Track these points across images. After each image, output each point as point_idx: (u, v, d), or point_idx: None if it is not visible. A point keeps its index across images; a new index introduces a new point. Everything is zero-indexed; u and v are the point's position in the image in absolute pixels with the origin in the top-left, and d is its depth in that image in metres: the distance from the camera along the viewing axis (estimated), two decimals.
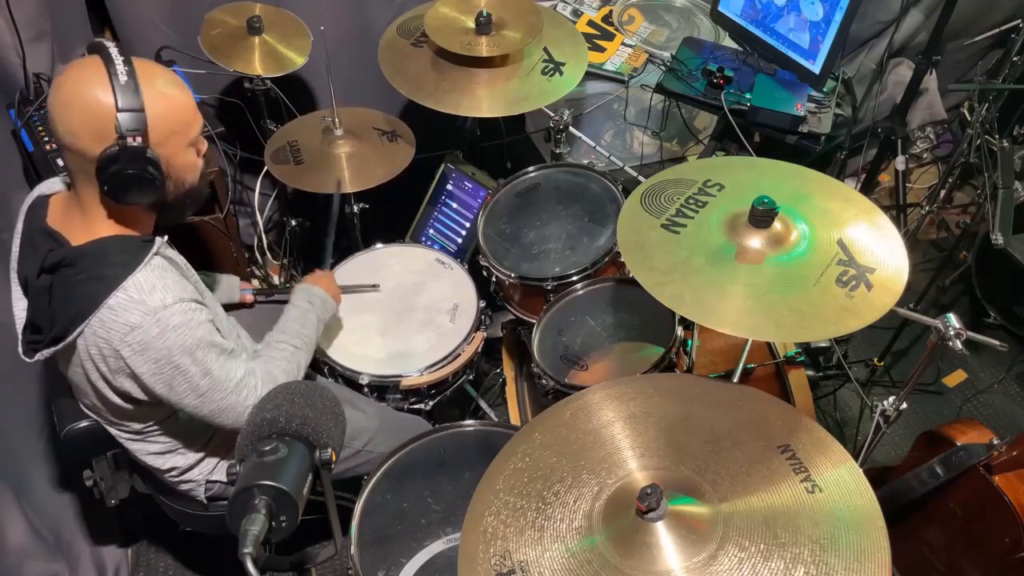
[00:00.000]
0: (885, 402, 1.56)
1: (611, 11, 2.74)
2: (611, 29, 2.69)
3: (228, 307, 1.96)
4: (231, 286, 1.99)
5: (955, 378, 2.71)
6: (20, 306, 1.41)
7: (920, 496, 1.72)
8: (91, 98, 1.23)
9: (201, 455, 1.64)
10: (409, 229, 2.60)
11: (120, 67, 1.23)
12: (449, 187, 2.52)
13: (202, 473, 1.66)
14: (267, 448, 1.05)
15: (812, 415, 2.11)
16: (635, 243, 1.46)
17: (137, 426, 1.52)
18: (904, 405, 1.54)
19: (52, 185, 1.47)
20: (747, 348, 1.91)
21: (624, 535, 1.15)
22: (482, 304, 2.04)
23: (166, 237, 1.41)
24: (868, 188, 2.77)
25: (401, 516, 1.71)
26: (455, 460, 1.73)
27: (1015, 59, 2.52)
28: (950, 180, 2.69)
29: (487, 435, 1.72)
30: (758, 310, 1.32)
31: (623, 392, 1.39)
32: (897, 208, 2.70)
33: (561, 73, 2.12)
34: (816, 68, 2.10)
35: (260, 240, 2.78)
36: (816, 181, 1.55)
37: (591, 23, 2.70)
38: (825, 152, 2.56)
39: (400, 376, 1.90)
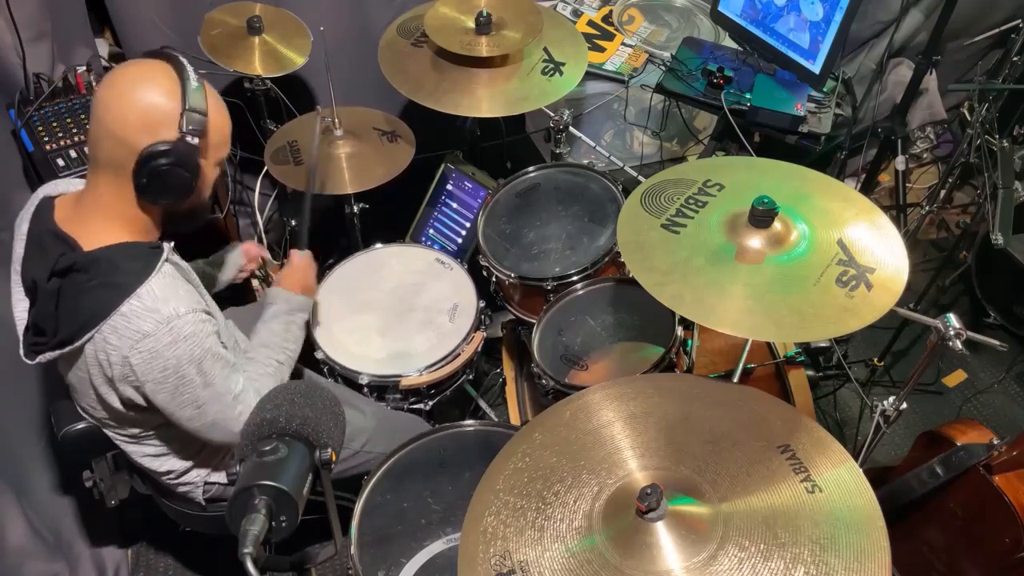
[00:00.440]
0: (885, 402, 1.56)
1: (611, 11, 2.74)
2: (611, 29, 2.69)
3: (229, 299, 1.94)
4: (235, 263, 1.94)
5: (955, 378, 2.71)
6: (21, 307, 1.41)
7: (920, 496, 1.72)
8: (157, 92, 1.28)
9: (198, 458, 1.64)
10: (409, 229, 2.60)
11: (191, 74, 1.31)
12: (449, 187, 2.52)
13: (199, 475, 1.66)
14: (267, 448, 1.05)
15: (812, 415, 2.11)
16: (635, 243, 1.46)
17: (135, 430, 1.52)
18: (904, 405, 1.54)
19: (56, 186, 1.47)
20: (747, 348, 1.90)
21: (624, 535, 1.15)
22: (482, 304, 2.04)
23: (172, 243, 1.41)
24: (868, 188, 2.78)
25: (401, 516, 1.71)
26: (455, 460, 1.73)
27: (1015, 59, 2.52)
28: (950, 180, 2.69)
29: (487, 435, 1.72)
30: (758, 310, 1.32)
31: (623, 392, 1.39)
32: (897, 208, 2.70)
33: (561, 73, 2.12)
34: (816, 68, 2.10)
35: (260, 240, 2.78)
36: (816, 181, 1.55)
37: (591, 23, 2.70)
38: (825, 152, 2.56)
39: (400, 376, 1.90)
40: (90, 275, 1.30)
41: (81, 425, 1.55)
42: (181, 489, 1.67)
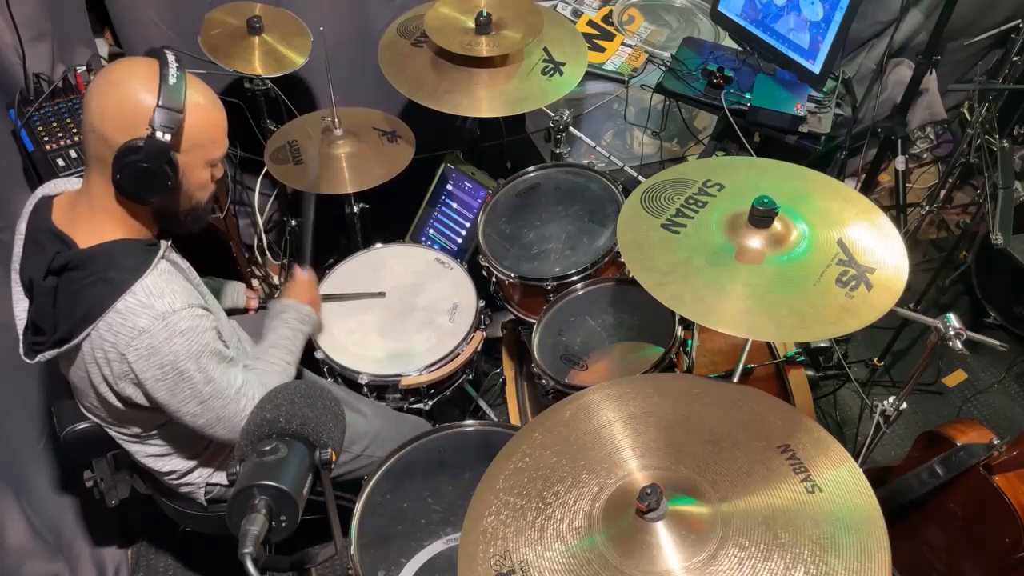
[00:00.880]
0: (885, 402, 1.56)
1: (611, 11, 2.74)
2: (611, 29, 2.69)
3: (231, 312, 1.96)
4: (237, 292, 1.99)
5: (955, 378, 2.71)
6: (21, 307, 1.41)
7: (920, 496, 1.72)
8: (135, 88, 1.27)
9: (201, 459, 1.64)
10: (409, 229, 2.60)
11: (173, 71, 1.28)
12: (449, 187, 2.52)
13: (201, 476, 1.66)
14: (267, 448, 1.05)
15: (812, 415, 2.11)
16: (635, 243, 1.46)
17: (137, 429, 1.52)
18: (904, 405, 1.54)
19: (56, 186, 1.47)
20: (747, 348, 1.90)
21: (624, 535, 1.15)
22: (481, 304, 2.04)
23: (170, 241, 1.41)
24: (868, 188, 2.78)
25: (401, 516, 1.71)
26: (455, 460, 1.73)
27: (1015, 59, 2.52)
28: (950, 180, 2.69)
29: (487, 435, 1.72)
30: (758, 310, 1.32)
31: (623, 392, 1.39)
32: (897, 208, 2.70)
33: (561, 73, 2.12)
34: (816, 68, 2.10)
35: (260, 240, 2.78)
36: (816, 181, 1.55)
37: (591, 23, 2.70)
38: (825, 152, 2.56)
39: (400, 376, 1.90)
40: (86, 272, 1.30)
41: (83, 425, 1.55)
42: (183, 490, 1.67)
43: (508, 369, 2.34)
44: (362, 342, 1.98)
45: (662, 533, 1.13)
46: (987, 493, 1.60)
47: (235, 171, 2.61)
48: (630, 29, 2.71)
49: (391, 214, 2.47)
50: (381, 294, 2.06)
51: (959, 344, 1.35)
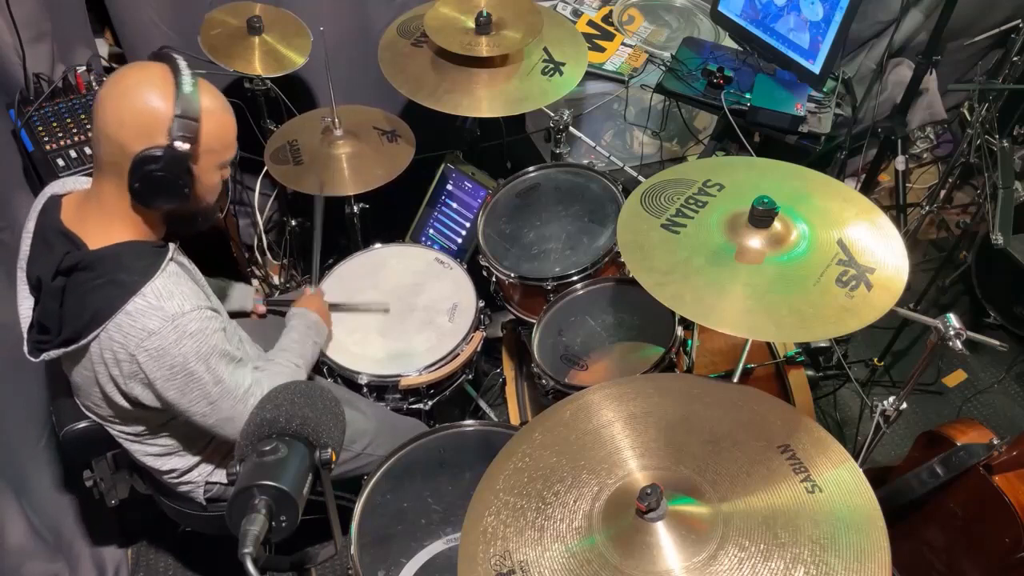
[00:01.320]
0: (885, 402, 1.56)
1: (611, 11, 2.74)
2: (611, 29, 2.69)
3: (236, 316, 1.96)
4: (245, 295, 1.99)
5: (955, 378, 2.71)
6: (27, 305, 1.42)
7: (920, 496, 1.72)
8: (151, 96, 1.27)
9: (200, 457, 1.64)
10: (409, 229, 2.60)
11: (187, 78, 1.29)
12: (449, 187, 2.52)
13: (201, 475, 1.66)
14: (267, 448, 1.05)
15: (812, 415, 2.11)
16: (635, 243, 1.46)
17: (139, 428, 1.53)
18: (904, 405, 1.54)
19: (64, 185, 1.48)
20: (747, 348, 1.90)
21: (624, 535, 1.15)
22: (481, 304, 2.04)
23: (177, 243, 1.42)
24: (868, 188, 2.77)
25: (401, 516, 1.71)
26: (455, 460, 1.73)
27: (1015, 59, 2.52)
28: (950, 180, 2.69)
29: (487, 435, 1.72)
30: (758, 310, 1.32)
31: (623, 392, 1.39)
32: (897, 208, 2.70)
33: (561, 73, 2.12)
34: (816, 68, 2.10)
35: (260, 240, 2.78)
36: (816, 181, 1.55)
37: (591, 23, 2.70)
38: (825, 152, 2.56)
39: (399, 376, 1.90)
40: (95, 273, 1.31)
41: (83, 424, 1.55)
42: (182, 488, 1.68)
43: (508, 369, 2.33)
44: (362, 342, 1.98)
45: (662, 533, 1.13)
46: (987, 493, 1.60)
47: (235, 171, 2.61)
48: (630, 29, 2.71)
49: (391, 214, 2.47)
50: (385, 310, 2.05)
51: (959, 344, 1.36)
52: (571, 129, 2.33)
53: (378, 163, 2.17)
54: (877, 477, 1.89)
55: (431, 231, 2.55)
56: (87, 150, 2.00)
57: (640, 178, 2.48)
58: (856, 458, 1.23)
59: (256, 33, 2.16)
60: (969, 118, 2.54)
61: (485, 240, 2.13)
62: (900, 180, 2.65)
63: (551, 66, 2.13)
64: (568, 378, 1.90)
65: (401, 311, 2.05)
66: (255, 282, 2.76)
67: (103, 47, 2.35)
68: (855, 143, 2.69)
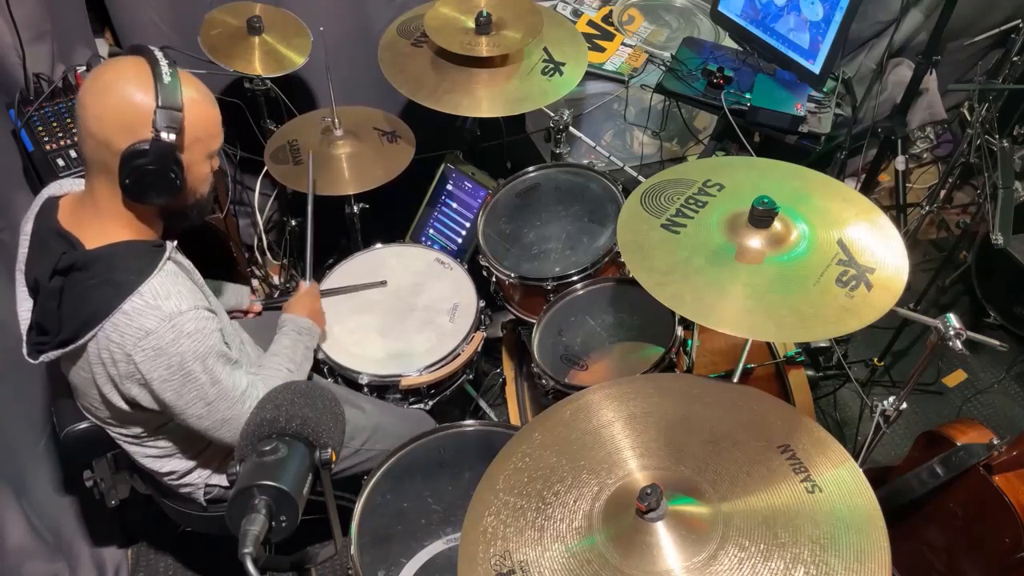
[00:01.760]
0: (885, 402, 1.56)
1: (611, 11, 2.74)
2: (611, 29, 2.69)
3: (233, 315, 1.96)
4: (240, 294, 1.99)
5: (955, 378, 2.71)
6: (25, 307, 1.42)
7: (920, 496, 1.72)
8: (130, 90, 1.26)
9: (200, 459, 1.64)
10: (409, 229, 2.60)
11: (165, 68, 1.27)
12: (449, 187, 2.52)
13: (201, 477, 1.66)
14: (267, 448, 1.05)
15: (812, 415, 2.11)
16: (635, 243, 1.46)
17: (137, 430, 1.52)
18: (904, 405, 1.54)
19: (61, 186, 1.48)
20: (747, 348, 1.91)
21: (624, 535, 1.15)
22: (482, 304, 2.04)
23: (175, 242, 1.41)
24: (868, 188, 2.77)
25: (401, 516, 1.71)
26: (455, 460, 1.73)
27: (1015, 59, 2.52)
28: (950, 180, 2.69)
29: (487, 435, 1.72)
30: (758, 310, 1.32)
31: (623, 392, 1.39)
32: (897, 208, 2.70)
33: (561, 73, 2.12)
34: (816, 68, 2.10)
35: (260, 240, 2.78)
36: (816, 181, 1.55)
37: (591, 23, 2.70)
38: (825, 152, 2.56)
39: (400, 376, 1.90)
40: (92, 273, 1.30)
41: (83, 425, 1.55)
42: (183, 490, 1.68)
43: (508, 369, 2.33)
44: (362, 342, 1.98)
45: (662, 533, 1.13)
46: (987, 493, 1.60)
47: (235, 171, 2.61)
48: (630, 29, 2.71)
49: (391, 214, 2.47)
50: (383, 283, 2.05)
51: (959, 344, 1.36)
52: (571, 129, 2.33)
53: (378, 163, 2.17)
54: (877, 477, 1.89)
55: (431, 231, 2.55)
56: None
57: (640, 178, 2.48)
58: (856, 458, 1.23)
59: (256, 33, 2.16)
60: (969, 118, 2.54)
61: (485, 240, 2.13)
62: (900, 180, 2.65)
63: (551, 66, 2.13)
64: (568, 378, 1.90)
65: (401, 311, 2.05)
66: (255, 282, 2.76)
67: (103, 47, 2.35)
68: (855, 143, 2.69)
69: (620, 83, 2.58)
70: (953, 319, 1.36)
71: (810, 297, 1.31)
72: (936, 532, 1.79)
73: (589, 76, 2.44)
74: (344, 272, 2.14)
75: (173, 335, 1.31)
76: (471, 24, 2.08)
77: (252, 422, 1.11)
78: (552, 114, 2.25)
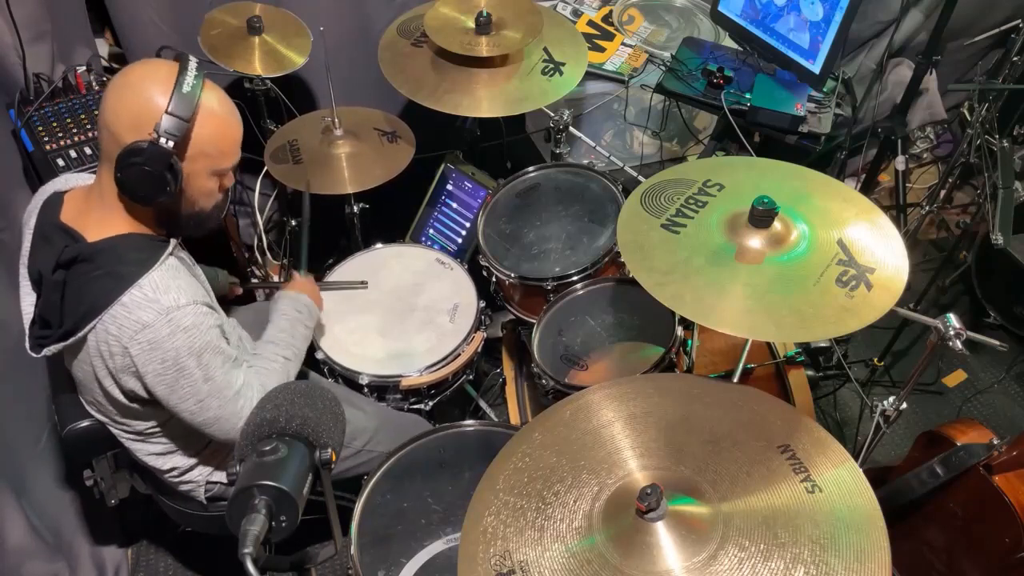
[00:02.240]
0: (885, 402, 1.56)
1: (611, 11, 2.74)
2: (611, 29, 2.69)
3: (222, 303, 1.96)
4: (217, 275, 1.96)
5: (955, 378, 2.71)
6: (28, 301, 1.42)
7: (920, 496, 1.72)
8: (150, 91, 1.28)
9: (202, 456, 1.64)
10: (409, 229, 2.60)
11: (189, 79, 1.29)
12: (449, 187, 2.52)
13: (202, 474, 1.66)
14: (267, 448, 1.05)
15: (812, 415, 2.11)
16: (635, 243, 1.46)
17: (140, 425, 1.52)
18: (904, 405, 1.54)
19: (67, 181, 1.48)
20: (747, 348, 1.91)
21: (624, 535, 1.15)
22: (482, 304, 2.04)
23: (180, 238, 1.41)
24: (868, 188, 2.77)
25: (401, 516, 1.71)
26: (455, 460, 1.73)
27: (1015, 59, 2.52)
28: (950, 180, 2.69)
29: (487, 435, 1.72)
30: (758, 310, 1.32)
31: (623, 392, 1.39)
32: (897, 208, 2.70)
33: (561, 73, 2.12)
34: (816, 68, 2.10)
35: (260, 240, 2.78)
36: (816, 181, 1.55)
37: (591, 23, 2.70)
38: (825, 152, 2.56)
39: (400, 376, 1.90)
40: (94, 265, 1.31)
41: (85, 423, 1.55)
42: (183, 488, 1.68)
43: (508, 369, 2.33)
44: (362, 342, 1.98)
45: (662, 533, 1.13)
46: (987, 493, 1.60)
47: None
48: (630, 29, 2.71)
49: (391, 214, 2.47)
50: (363, 284, 2.05)
51: (959, 344, 1.36)
52: (571, 129, 2.33)
53: (378, 163, 2.17)
54: (877, 477, 1.89)
55: (431, 231, 2.55)
56: (87, 150, 2.01)
57: (640, 178, 2.48)
58: (856, 458, 1.23)
59: (256, 33, 2.16)
60: (969, 118, 2.54)
61: (485, 240, 2.13)
62: (900, 180, 2.65)
63: (551, 66, 2.13)
64: (568, 378, 1.90)
65: (401, 311, 2.05)
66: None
67: (103, 47, 2.35)
68: (855, 143, 2.69)
69: (620, 83, 2.58)
70: (953, 319, 1.36)
71: (810, 297, 1.31)
72: (936, 532, 1.79)
73: (589, 76, 2.44)
74: (344, 272, 2.14)
75: (169, 329, 1.31)
76: (471, 24, 2.08)
77: (252, 422, 1.11)
78: (552, 114, 2.25)
